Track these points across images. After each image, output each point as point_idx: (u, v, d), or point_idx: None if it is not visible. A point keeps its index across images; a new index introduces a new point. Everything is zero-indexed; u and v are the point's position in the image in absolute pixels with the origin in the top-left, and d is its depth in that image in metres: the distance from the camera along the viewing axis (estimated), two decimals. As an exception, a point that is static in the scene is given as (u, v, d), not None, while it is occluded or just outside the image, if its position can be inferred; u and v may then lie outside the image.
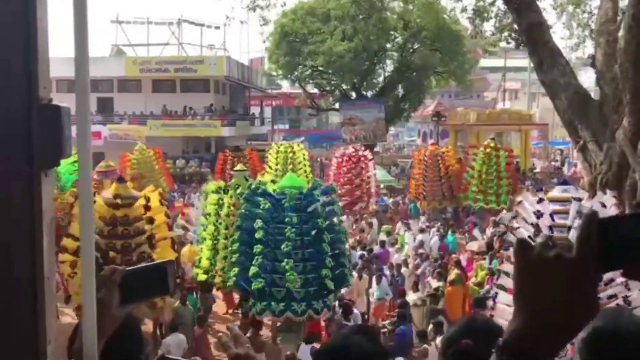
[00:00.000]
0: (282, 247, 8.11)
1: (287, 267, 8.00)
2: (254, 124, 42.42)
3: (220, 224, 10.14)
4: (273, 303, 8.10)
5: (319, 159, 30.33)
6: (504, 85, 41.90)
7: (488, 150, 17.25)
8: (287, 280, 7.99)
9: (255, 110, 44.54)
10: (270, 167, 16.36)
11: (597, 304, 0.71)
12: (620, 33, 10.28)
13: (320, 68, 32.20)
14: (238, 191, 9.63)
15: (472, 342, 1.50)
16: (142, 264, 1.25)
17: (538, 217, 5.94)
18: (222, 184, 11.15)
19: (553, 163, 29.44)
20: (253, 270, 7.98)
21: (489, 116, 26.60)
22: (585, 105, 11.95)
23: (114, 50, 40.91)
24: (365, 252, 12.68)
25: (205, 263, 10.32)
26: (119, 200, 8.64)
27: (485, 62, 47.35)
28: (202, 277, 10.34)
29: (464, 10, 17.68)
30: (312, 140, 39.75)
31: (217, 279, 9.98)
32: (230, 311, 11.67)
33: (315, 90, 35.97)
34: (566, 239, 5.52)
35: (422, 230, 14.51)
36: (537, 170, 25.45)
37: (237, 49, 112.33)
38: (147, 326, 10.01)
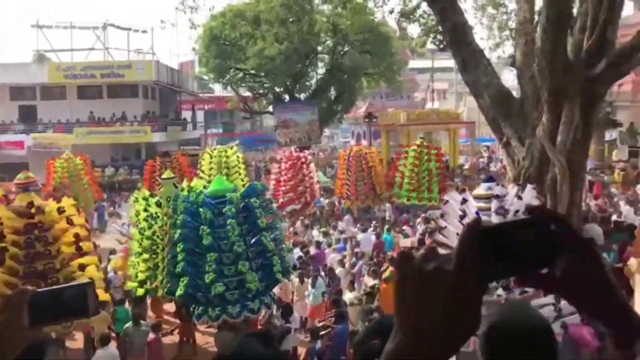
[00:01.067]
0: (235, 248, 8.16)
1: (243, 268, 8.11)
2: (186, 129, 41.69)
3: (157, 236, 9.95)
4: (209, 308, 8.11)
5: (254, 163, 30.17)
6: (432, 86, 43.02)
7: (418, 149, 17.68)
8: (247, 280, 8.10)
9: (187, 114, 43.77)
10: (203, 172, 16.11)
11: (478, 318, 0.68)
12: (537, 34, 10.79)
13: (252, 71, 32.04)
14: (170, 202, 9.45)
15: (380, 343, 1.42)
16: (64, 284, 1.20)
17: (462, 218, 6.13)
18: (146, 193, 10.88)
19: (480, 160, 30.53)
20: (210, 276, 7.97)
21: (418, 116, 27.26)
22: (507, 103, 12.47)
23: (36, 56, 39.21)
24: (302, 254, 12.69)
25: (142, 276, 10.11)
26: (32, 210, 8.33)
27: (414, 64, 48.41)
28: (140, 291, 10.15)
29: (391, 12, 18.11)
30: (247, 143, 39.44)
31: (160, 292, 9.82)
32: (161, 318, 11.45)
33: (248, 94, 35.75)
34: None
35: (364, 230, 14.68)
36: (466, 167, 26.29)
37: (167, 52, 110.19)
38: (78, 341, 9.76)
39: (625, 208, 16.31)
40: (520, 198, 5.72)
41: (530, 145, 11.48)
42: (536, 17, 12.44)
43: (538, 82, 11.09)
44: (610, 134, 31.94)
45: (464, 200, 6.49)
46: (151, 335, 8.95)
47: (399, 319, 0.70)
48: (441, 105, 50.38)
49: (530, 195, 5.90)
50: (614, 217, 14.33)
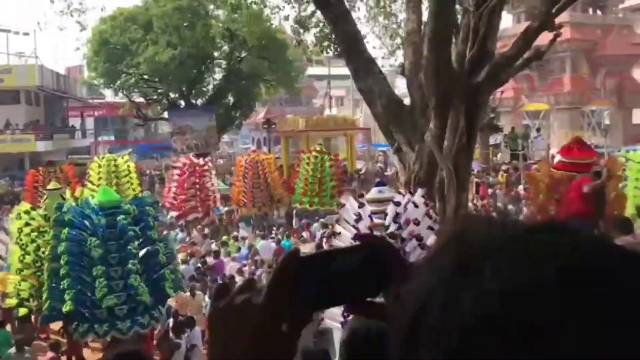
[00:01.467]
0: (130, 261, 7.85)
1: (135, 282, 7.81)
2: (75, 137, 39.58)
3: (42, 251, 9.38)
4: (96, 325, 7.74)
5: (149, 171, 29.16)
6: (330, 93, 43.82)
7: (316, 154, 17.92)
8: (138, 294, 7.81)
9: (75, 121, 41.57)
10: (91, 182, 15.33)
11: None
12: (424, 43, 11.24)
13: (146, 76, 31.02)
14: (54, 215, 8.92)
15: None
16: None
17: (357, 222, 6.22)
18: (27, 206, 10.24)
19: (377, 164, 31.44)
20: (101, 291, 7.63)
21: (317, 122, 27.62)
22: (399, 111, 12.87)
23: None
24: (199, 265, 12.42)
25: (24, 294, 9.59)
26: None
27: (312, 70, 49.11)
28: (23, 310, 9.61)
29: (286, 19, 18.21)
30: (141, 151, 38.09)
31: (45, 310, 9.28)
32: (43, 336, 10.79)
33: (142, 99, 34.55)
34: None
35: (263, 238, 14.62)
36: (363, 171, 26.96)
37: (52, 56, 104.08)
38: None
39: (508, 207, 17.43)
40: (416, 205, 5.91)
41: (420, 151, 11.90)
42: (423, 28, 12.92)
43: (425, 90, 11.52)
44: (495, 139, 34.07)
45: (361, 205, 6.59)
46: (50, 354, 8.61)
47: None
48: (339, 111, 51.41)
49: (419, 200, 6.08)
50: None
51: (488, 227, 0.50)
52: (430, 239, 6.06)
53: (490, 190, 21.41)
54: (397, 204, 5.97)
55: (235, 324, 0.63)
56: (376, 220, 6.21)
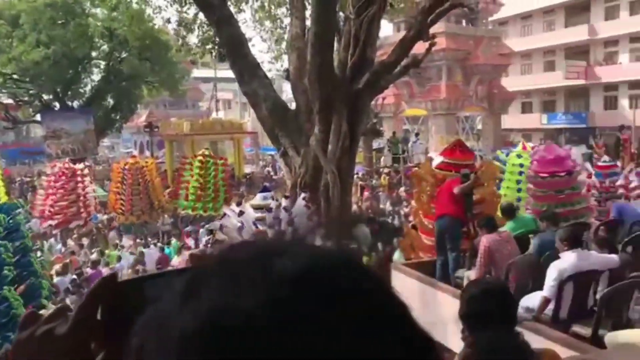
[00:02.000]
0: (4, 272, 7.29)
1: (8, 294, 7.24)
2: None
3: None
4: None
5: (19, 178, 27.08)
6: (216, 95, 43.20)
7: (203, 159, 17.56)
8: (12, 307, 7.22)
9: None
10: (-49, 191, 13.99)
11: None
12: (308, 49, 11.40)
13: (15, 76, 28.78)
14: None
15: None
16: None
17: (241, 230, 6.14)
18: None
19: (265, 168, 31.43)
20: None
21: (202, 126, 27.08)
22: (284, 115, 12.96)
23: None
24: (75, 276, 11.71)
25: None
26: None
27: (198, 72, 48.17)
28: None
29: (167, 21, 17.70)
30: (10, 155, 35.22)
31: None
32: None
33: (10, 100, 32.01)
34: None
35: (145, 246, 14.08)
36: (251, 176, 26.83)
37: None
38: None
39: (391, 209, 18.13)
40: (286, 209, 5.92)
41: (305, 154, 12.05)
42: (307, 34, 13.09)
43: (309, 95, 11.69)
44: (378, 143, 35.31)
45: (241, 213, 6.51)
46: None
47: None
48: (226, 114, 50.83)
49: (300, 204, 6.12)
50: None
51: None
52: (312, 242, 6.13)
53: (373, 193, 22.17)
54: (272, 210, 5.94)
55: (37, 358, 0.56)
56: (260, 227, 6.16)
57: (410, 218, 11.82)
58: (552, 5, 41.63)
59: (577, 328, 5.06)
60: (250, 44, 14.09)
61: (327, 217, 11.59)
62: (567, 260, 5.13)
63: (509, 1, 41.06)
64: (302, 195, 6.45)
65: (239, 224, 6.38)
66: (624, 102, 37.72)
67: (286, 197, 6.40)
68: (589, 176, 11.25)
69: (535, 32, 43.43)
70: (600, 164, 11.92)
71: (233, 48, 12.90)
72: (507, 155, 12.87)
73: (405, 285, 7.54)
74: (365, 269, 0.49)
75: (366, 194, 21.14)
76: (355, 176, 21.37)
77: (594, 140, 16.80)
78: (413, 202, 10.71)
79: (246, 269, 0.45)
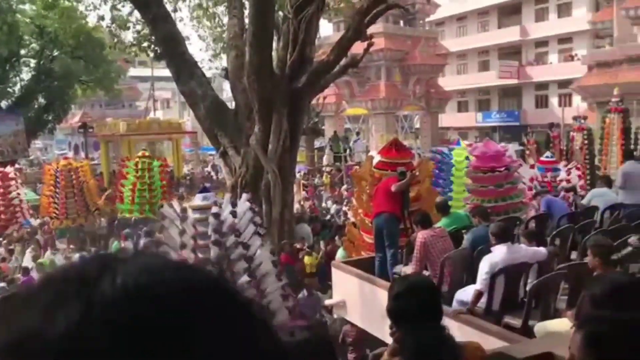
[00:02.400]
0: None
1: None
2: None
3: None
4: None
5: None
6: (154, 95, 42.26)
7: (141, 160, 17.15)
8: None
9: None
10: None
11: None
12: (246, 48, 11.33)
13: None
14: None
15: None
16: None
17: (182, 234, 5.98)
18: None
19: (206, 169, 31.00)
20: None
21: (139, 126, 26.40)
22: (223, 114, 12.84)
23: None
24: (5, 284, 11.21)
25: None
26: None
27: (135, 71, 46.96)
28: None
29: (102, 19, 17.16)
30: None
31: None
32: None
33: None
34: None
35: (81, 250, 13.63)
36: (191, 176, 26.40)
37: None
38: None
39: (333, 207, 18.24)
40: (233, 213, 5.84)
41: (245, 154, 11.98)
42: (245, 32, 12.98)
43: (249, 94, 11.63)
44: (319, 142, 35.47)
45: (181, 213, 6.33)
46: None
47: None
48: (165, 114, 49.83)
49: (244, 206, 6.04)
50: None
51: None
52: (256, 245, 6.07)
53: (315, 192, 22.26)
54: (217, 215, 5.82)
55: None
56: (200, 229, 6.03)
57: (350, 216, 11.92)
58: (485, 7, 42.99)
59: (508, 319, 5.25)
60: (187, 43, 13.89)
61: (268, 217, 11.56)
62: (498, 254, 5.31)
63: (445, 2, 42.11)
64: (245, 196, 6.36)
65: (179, 226, 6.22)
66: (554, 101, 39.38)
67: (233, 200, 6.29)
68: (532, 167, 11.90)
69: (470, 33, 44.74)
70: (543, 159, 12.47)
71: (169, 46, 12.68)
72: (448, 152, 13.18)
73: (346, 282, 7.63)
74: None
75: (303, 193, 21.19)
76: (297, 175, 21.42)
77: (526, 138, 17.46)
78: (354, 201, 10.82)
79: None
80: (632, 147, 14.81)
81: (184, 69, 12.63)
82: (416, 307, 2.04)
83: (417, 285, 2.12)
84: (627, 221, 7.49)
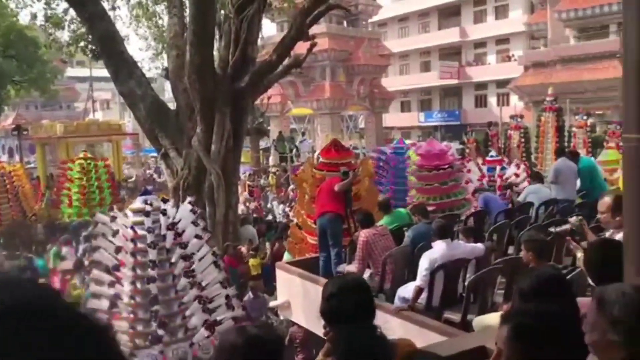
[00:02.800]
0: None
1: None
2: None
3: None
4: None
5: None
6: (93, 95, 41.04)
7: (83, 162, 16.65)
8: None
9: None
10: None
11: None
12: (187, 47, 11.14)
13: None
14: None
15: None
16: None
17: (114, 235, 5.79)
18: None
19: (148, 171, 30.31)
20: None
21: (77, 128, 25.49)
22: (163, 115, 12.57)
23: None
24: None
25: None
26: None
27: (73, 72, 45.52)
28: None
29: (34, 17, 16.50)
30: None
31: None
32: None
33: None
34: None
35: (15, 257, 12.99)
36: (133, 179, 25.75)
37: None
38: None
39: (280, 207, 18.17)
40: (164, 213, 5.70)
41: (188, 156, 11.79)
42: (186, 32, 12.77)
43: (190, 94, 11.45)
44: (265, 142, 35.33)
45: (114, 218, 6.10)
46: None
47: None
48: (105, 115, 48.47)
49: (186, 209, 5.89)
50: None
51: None
52: (195, 247, 5.96)
53: (262, 193, 22.14)
54: (147, 213, 5.64)
55: None
56: (140, 232, 5.86)
57: (292, 217, 11.93)
58: (426, 9, 43.89)
59: (448, 314, 5.35)
60: (126, 42, 13.54)
61: (212, 219, 11.40)
62: (438, 251, 5.42)
63: (387, 3, 42.74)
64: (188, 198, 6.20)
65: (115, 229, 6.01)
66: (493, 100, 40.61)
67: (165, 200, 6.10)
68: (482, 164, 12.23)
69: (411, 34, 45.58)
70: (489, 158, 12.82)
71: (107, 46, 12.32)
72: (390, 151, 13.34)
73: (290, 283, 7.61)
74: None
75: (245, 194, 21.04)
76: (242, 176, 21.23)
77: (465, 137, 17.93)
78: (297, 203, 10.85)
79: None
80: (565, 144, 15.44)
81: (123, 69, 12.31)
82: (349, 307, 2.05)
83: (349, 285, 2.13)
84: (561, 215, 7.79)
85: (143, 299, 5.34)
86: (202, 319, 5.28)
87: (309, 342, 8.19)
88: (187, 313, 5.55)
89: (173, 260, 5.75)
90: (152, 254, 5.52)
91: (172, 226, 5.82)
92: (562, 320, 1.70)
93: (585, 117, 16.88)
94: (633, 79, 2.02)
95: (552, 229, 6.06)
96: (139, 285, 5.39)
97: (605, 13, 27.87)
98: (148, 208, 5.81)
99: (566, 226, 4.89)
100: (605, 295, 1.71)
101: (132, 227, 5.84)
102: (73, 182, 16.45)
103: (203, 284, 5.87)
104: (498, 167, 12.20)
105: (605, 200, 3.78)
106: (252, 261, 11.23)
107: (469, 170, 11.25)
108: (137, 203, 6.28)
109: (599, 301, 1.72)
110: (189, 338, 5.22)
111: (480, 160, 13.28)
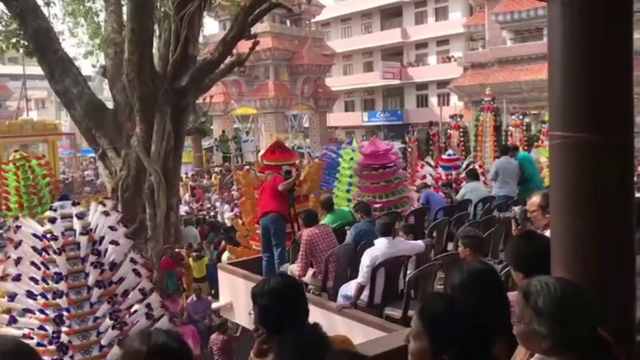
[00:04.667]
0: None
1: None
2: None
3: None
4: None
5: None
6: (26, 94, 39.41)
7: (19, 161, 16.01)
8: None
9: None
10: None
11: None
12: (125, 45, 10.83)
13: None
14: None
15: None
16: None
17: (16, 247, 5.41)
18: None
19: (85, 172, 29.36)
20: None
21: (10, 127, 24.37)
22: (101, 114, 12.18)
23: None
24: None
25: None
26: None
27: (5, 69, 43.72)
28: None
29: (-49, 11, 15.67)
30: None
31: None
32: None
33: None
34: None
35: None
36: (70, 180, 24.85)
37: None
38: None
39: (225, 207, 17.97)
40: (107, 214, 5.43)
41: (126, 156, 11.47)
42: (124, 29, 12.43)
43: (129, 93, 11.15)
44: (208, 142, 34.85)
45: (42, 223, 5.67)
46: None
47: None
48: (40, 115, 46.65)
49: (98, 212, 5.56)
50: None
51: None
52: (113, 253, 5.65)
53: (205, 194, 21.85)
54: (73, 218, 5.28)
55: None
56: (69, 238, 5.45)
57: (227, 218, 11.82)
58: (369, 9, 44.39)
59: (389, 311, 5.43)
60: (62, 38, 13.06)
61: (152, 221, 11.14)
62: (379, 248, 5.48)
63: (330, 3, 42.98)
64: (110, 203, 5.78)
65: (37, 237, 5.52)
66: (434, 100, 41.51)
67: (75, 204, 5.65)
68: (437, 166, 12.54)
69: (354, 34, 46.00)
70: (445, 157, 13.07)
71: (41, 42, 11.83)
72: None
73: (232, 284, 7.53)
74: None
75: (186, 196, 20.72)
76: (184, 176, 20.88)
77: (407, 136, 18.23)
78: (239, 207, 10.78)
79: None
80: (503, 143, 15.92)
81: (58, 67, 11.86)
82: (283, 310, 2.04)
83: (278, 286, 2.12)
84: (498, 212, 8.04)
85: (53, 313, 4.91)
86: (114, 335, 4.99)
87: (229, 349, 8.13)
88: (101, 329, 5.22)
89: (87, 270, 5.30)
90: (62, 264, 5.08)
91: (86, 232, 5.35)
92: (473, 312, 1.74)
93: (521, 117, 17.44)
94: (557, 78, 2.09)
95: (497, 214, 6.23)
96: (50, 297, 4.92)
97: (539, 16, 28.97)
98: (54, 214, 5.36)
99: (510, 214, 5.06)
100: (530, 287, 1.77)
101: (43, 236, 5.37)
102: (8, 185, 15.83)
103: (119, 294, 5.48)
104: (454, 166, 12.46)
105: (534, 200, 3.90)
106: (194, 264, 11.08)
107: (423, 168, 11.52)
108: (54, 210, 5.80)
109: (525, 293, 1.77)
110: (104, 356, 4.88)
111: (431, 159, 13.61)
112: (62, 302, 4.80)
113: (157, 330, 1.79)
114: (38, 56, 12.35)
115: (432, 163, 13.65)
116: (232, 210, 16.89)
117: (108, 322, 5.08)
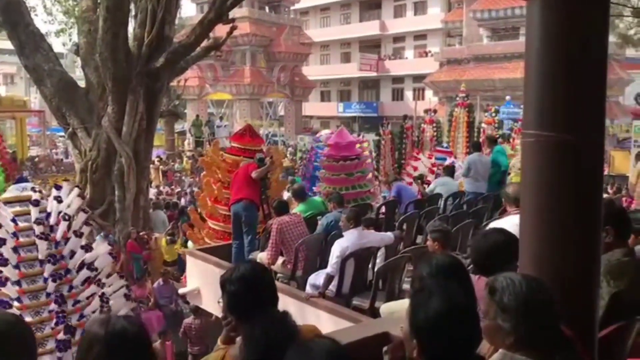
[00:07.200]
0: None
1: None
2: None
3: None
4: None
5: None
6: (-4, 68, 38.39)
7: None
8: None
9: None
10: None
11: None
12: (99, 23, 10.61)
13: None
14: None
15: None
16: None
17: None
18: None
19: (54, 151, 28.78)
20: None
21: (-24, 102, 23.83)
22: (72, 92, 11.94)
23: None
24: None
25: None
26: None
27: (-28, 42, 42.27)
28: None
29: None
30: None
31: None
32: None
33: None
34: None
35: None
36: (38, 159, 24.33)
37: None
38: None
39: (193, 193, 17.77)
40: (60, 200, 5.35)
41: (97, 136, 11.30)
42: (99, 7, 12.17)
43: (102, 72, 10.96)
44: (181, 126, 34.45)
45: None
46: None
47: None
48: (9, 90, 45.51)
49: (72, 195, 5.49)
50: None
51: None
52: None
53: (175, 177, 21.64)
54: (37, 202, 5.17)
55: None
56: (22, 224, 5.27)
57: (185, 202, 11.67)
58: (348, 0, 44.27)
59: (357, 301, 5.46)
60: (34, 14, 12.73)
61: (121, 204, 10.99)
62: (349, 239, 5.50)
63: (309, -8, 42.77)
64: (76, 190, 5.70)
65: None
66: (409, 94, 41.70)
67: (57, 187, 5.63)
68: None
69: (333, 24, 45.84)
70: (439, 148, 13.26)
71: (11, 16, 11.53)
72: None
73: (200, 270, 7.48)
74: None
75: (169, 178, 20.51)
76: (156, 160, 20.61)
77: (382, 129, 18.29)
78: (199, 189, 10.68)
79: None
80: (475, 139, 16.08)
81: (29, 42, 11.57)
82: (250, 297, 2.04)
83: (247, 272, 2.10)
84: (467, 207, 8.14)
85: (31, 301, 4.93)
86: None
87: (205, 334, 8.11)
88: (86, 312, 5.19)
89: (65, 253, 5.26)
90: (41, 246, 5.02)
91: (64, 216, 5.26)
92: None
93: (493, 114, 17.64)
94: (533, 77, 2.11)
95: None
96: (25, 285, 4.94)
97: (516, 15, 29.28)
98: (34, 196, 5.26)
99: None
100: (496, 283, 1.80)
101: (13, 220, 5.22)
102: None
103: (102, 279, 5.48)
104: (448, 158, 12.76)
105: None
106: (166, 247, 10.97)
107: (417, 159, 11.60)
108: (12, 192, 5.61)
109: (491, 289, 1.80)
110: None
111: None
112: (50, 287, 4.95)
113: (117, 316, 1.78)
114: (8, 30, 12.02)
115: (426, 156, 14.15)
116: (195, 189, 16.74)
117: (95, 303, 5.11)
